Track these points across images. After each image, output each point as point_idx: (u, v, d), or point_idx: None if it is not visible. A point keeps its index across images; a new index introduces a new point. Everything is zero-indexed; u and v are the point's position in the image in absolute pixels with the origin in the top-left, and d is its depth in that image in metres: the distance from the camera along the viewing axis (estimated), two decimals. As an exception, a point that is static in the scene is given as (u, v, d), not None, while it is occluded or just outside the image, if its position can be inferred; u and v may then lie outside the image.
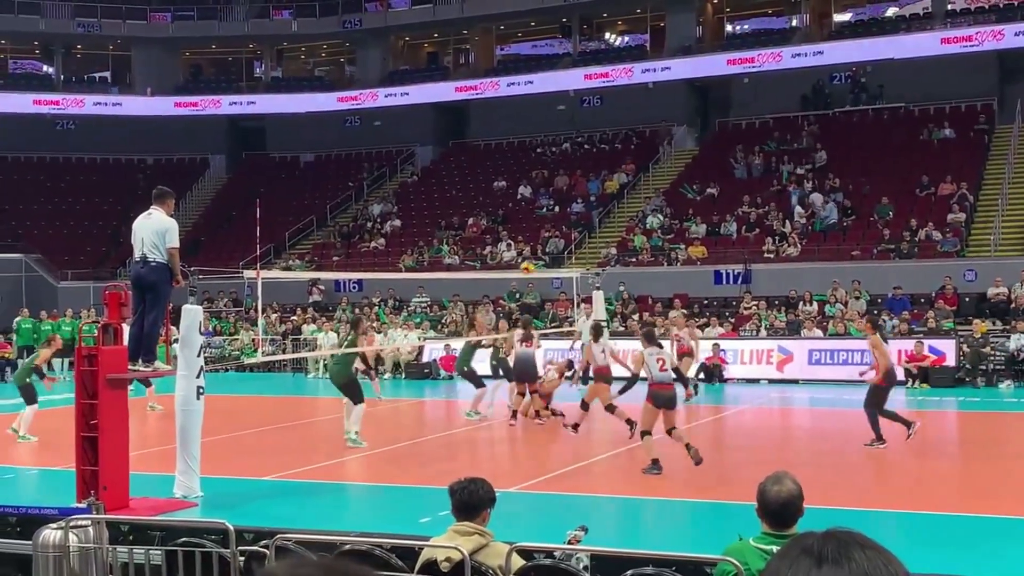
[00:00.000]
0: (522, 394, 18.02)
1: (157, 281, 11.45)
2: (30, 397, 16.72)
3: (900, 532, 9.73)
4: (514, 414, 17.90)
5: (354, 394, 15.70)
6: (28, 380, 17.03)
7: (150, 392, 19.87)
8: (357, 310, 30.00)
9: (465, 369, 19.40)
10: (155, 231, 11.40)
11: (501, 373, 19.80)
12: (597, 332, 16.82)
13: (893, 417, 14.73)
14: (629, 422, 15.37)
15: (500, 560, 5.86)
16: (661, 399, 13.07)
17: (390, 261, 35.41)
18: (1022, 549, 9.69)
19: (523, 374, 18.10)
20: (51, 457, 14.41)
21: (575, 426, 16.06)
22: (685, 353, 21.13)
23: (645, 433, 13.09)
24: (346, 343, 16.61)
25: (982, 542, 9.83)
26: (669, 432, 13.13)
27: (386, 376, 28.14)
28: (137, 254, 11.49)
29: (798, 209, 31.94)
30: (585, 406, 16.26)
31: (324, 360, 28.33)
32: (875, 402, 14.82)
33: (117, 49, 46.60)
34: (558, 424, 17.44)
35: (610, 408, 16.03)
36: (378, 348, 27.03)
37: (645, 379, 13.72)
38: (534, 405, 18.03)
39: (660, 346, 13.60)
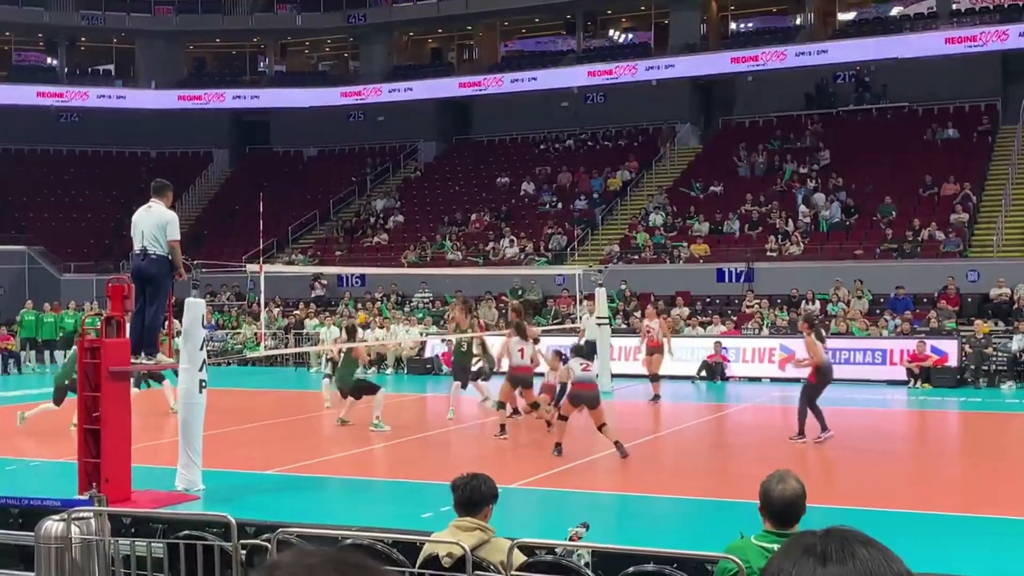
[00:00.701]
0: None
1: (157, 274, 11.44)
2: (60, 398, 16.67)
3: (900, 531, 9.74)
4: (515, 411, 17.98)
5: (368, 390, 16.50)
6: (67, 382, 16.91)
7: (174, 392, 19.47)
8: (348, 314, 29.93)
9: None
10: (155, 224, 11.40)
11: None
12: (520, 330, 16.57)
13: (813, 415, 14.99)
14: (549, 424, 15.84)
15: (502, 556, 5.87)
16: (578, 398, 13.83)
17: (393, 256, 35.43)
18: (1019, 548, 9.70)
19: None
20: (53, 449, 14.43)
21: (503, 427, 15.81)
22: (656, 348, 20.64)
23: (562, 417, 14.12)
24: (343, 354, 16.97)
25: (982, 542, 9.84)
26: (599, 429, 13.78)
27: (388, 371, 28.17)
28: (137, 247, 11.49)
29: (803, 208, 31.90)
30: (501, 405, 16.11)
31: (326, 355, 28.36)
32: (808, 396, 15.09)
33: (121, 42, 46.60)
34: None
35: (500, 405, 16.14)
36: (378, 345, 27.07)
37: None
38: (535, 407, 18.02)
39: (589, 358, 14.29)
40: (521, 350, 16.14)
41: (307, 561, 1.05)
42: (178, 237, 11.59)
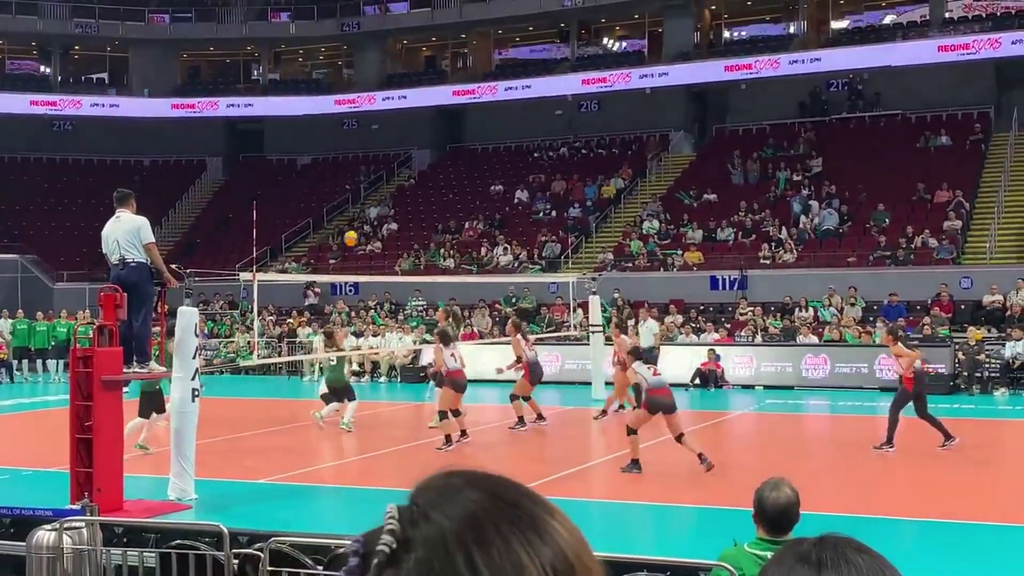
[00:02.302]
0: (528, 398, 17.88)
1: (139, 281, 11.40)
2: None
3: (894, 538, 9.74)
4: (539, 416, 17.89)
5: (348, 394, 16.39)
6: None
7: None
8: (340, 322, 29.86)
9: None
10: (128, 231, 11.37)
11: None
12: (445, 337, 16.42)
13: (889, 422, 14.72)
14: (447, 440, 15.39)
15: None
16: (655, 404, 13.12)
17: (387, 264, 35.40)
18: (1013, 555, 9.70)
19: (539, 377, 18.03)
20: (45, 458, 14.37)
21: (448, 438, 15.54)
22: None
23: (632, 431, 13.22)
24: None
25: (973, 548, 9.83)
26: (678, 439, 13.14)
27: (382, 380, 28.14)
28: (115, 258, 11.43)
29: (804, 218, 31.78)
30: (444, 415, 15.77)
31: (319, 363, 28.32)
32: (896, 402, 14.82)
33: (115, 50, 46.58)
34: (551, 429, 17.44)
35: (455, 412, 15.71)
36: (371, 353, 27.02)
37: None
38: (535, 409, 17.95)
39: (647, 361, 13.70)
40: (453, 355, 16.07)
41: (452, 482, 1.12)
42: (152, 239, 11.58)
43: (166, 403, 15.10)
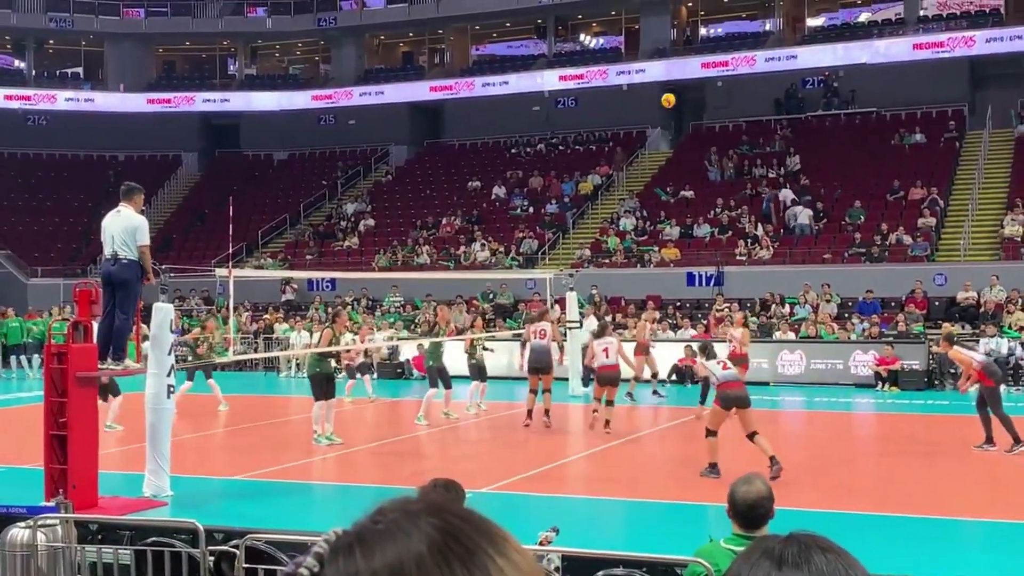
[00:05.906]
0: (534, 391, 17.45)
1: (128, 279, 11.39)
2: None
3: (867, 534, 9.81)
4: (528, 413, 17.34)
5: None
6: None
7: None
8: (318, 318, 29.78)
9: (431, 365, 18.90)
10: (125, 228, 11.36)
11: (475, 374, 19.63)
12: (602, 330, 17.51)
13: (1001, 424, 14.57)
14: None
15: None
16: (728, 400, 12.41)
17: (363, 260, 35.33)
18: (980, 550, 9.79)
19: (537, 364, 17.68)
20: (20, 455, 14.28)
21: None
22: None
23: (711, 433, 12.58)
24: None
25: (943, 544, 9.92)
26: (750, 437, 12.32)
27: (357, 375, 28.04)
28: (108, 252, 11.45)
29: (791, 210, 31.79)
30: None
31: (296, 360, 28.24)
32: (990, 403, 14.74)
33: (90, 45, 46.25)
34: (533, 425, 17.47)
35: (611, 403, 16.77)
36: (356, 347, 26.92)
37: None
38: (545, 403, 17.44)
39: (716, 357, 13.12)
40: (605, 349, 17.19)
41: (410, 508, 1.04)
42: (148, 242, 11.56)
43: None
